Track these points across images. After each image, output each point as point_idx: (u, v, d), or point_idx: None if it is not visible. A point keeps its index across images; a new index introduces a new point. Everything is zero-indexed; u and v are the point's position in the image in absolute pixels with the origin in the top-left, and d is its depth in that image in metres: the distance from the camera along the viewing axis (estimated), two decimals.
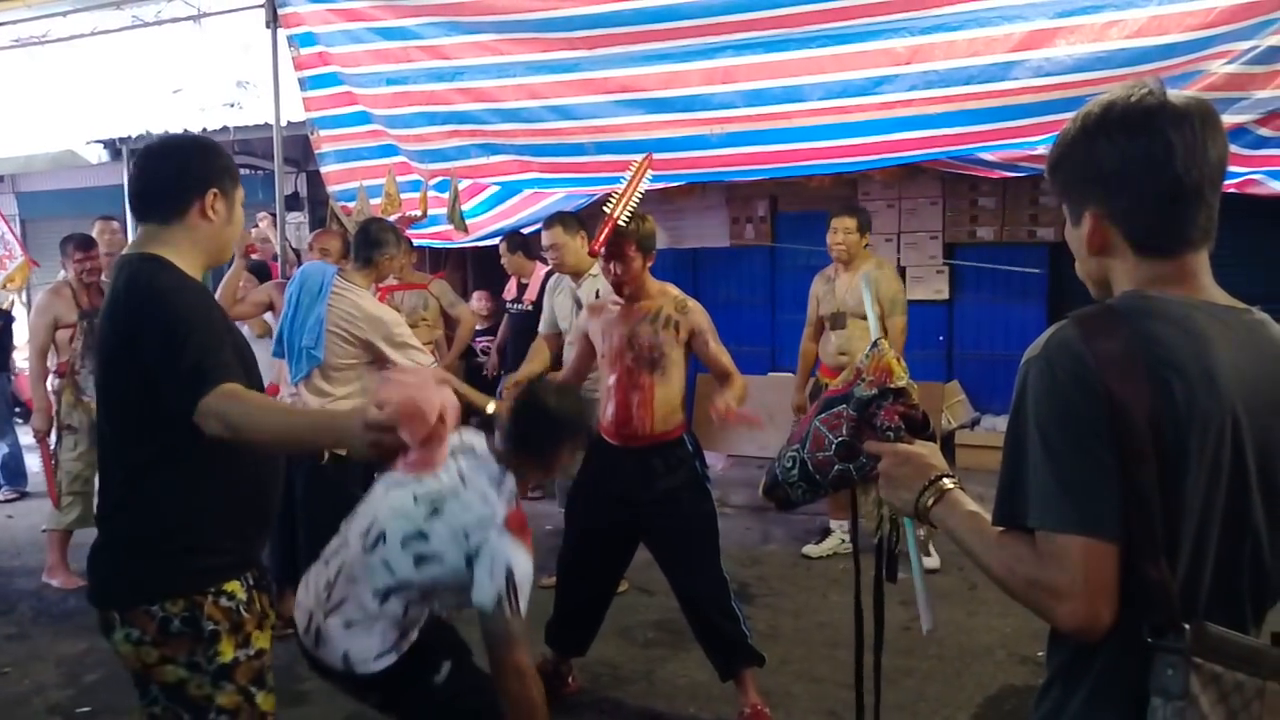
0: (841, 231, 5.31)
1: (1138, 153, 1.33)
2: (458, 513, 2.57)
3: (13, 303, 8.69)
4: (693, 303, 3.72)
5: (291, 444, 2.38)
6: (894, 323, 5.22)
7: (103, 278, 5.49)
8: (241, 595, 2.18)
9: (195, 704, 2.14)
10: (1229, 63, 4.16)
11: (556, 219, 5.04)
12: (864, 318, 4.95)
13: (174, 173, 2.24)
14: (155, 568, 2.13)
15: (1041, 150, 4.74)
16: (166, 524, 2.13)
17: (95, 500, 2.39)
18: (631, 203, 3.54)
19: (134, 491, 2.16)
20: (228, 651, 2.15)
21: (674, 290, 3.69)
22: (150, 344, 2.07)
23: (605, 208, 3.54)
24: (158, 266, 2.18)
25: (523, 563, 2.56)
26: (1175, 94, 1.36)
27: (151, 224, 2.25)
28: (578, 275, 4.95)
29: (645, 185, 3.58)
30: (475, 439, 2.79)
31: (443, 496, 2.58)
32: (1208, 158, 1.33)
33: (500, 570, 2.52)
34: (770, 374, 8.21)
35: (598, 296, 4.52)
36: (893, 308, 5.27)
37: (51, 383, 5.51)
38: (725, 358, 3.69)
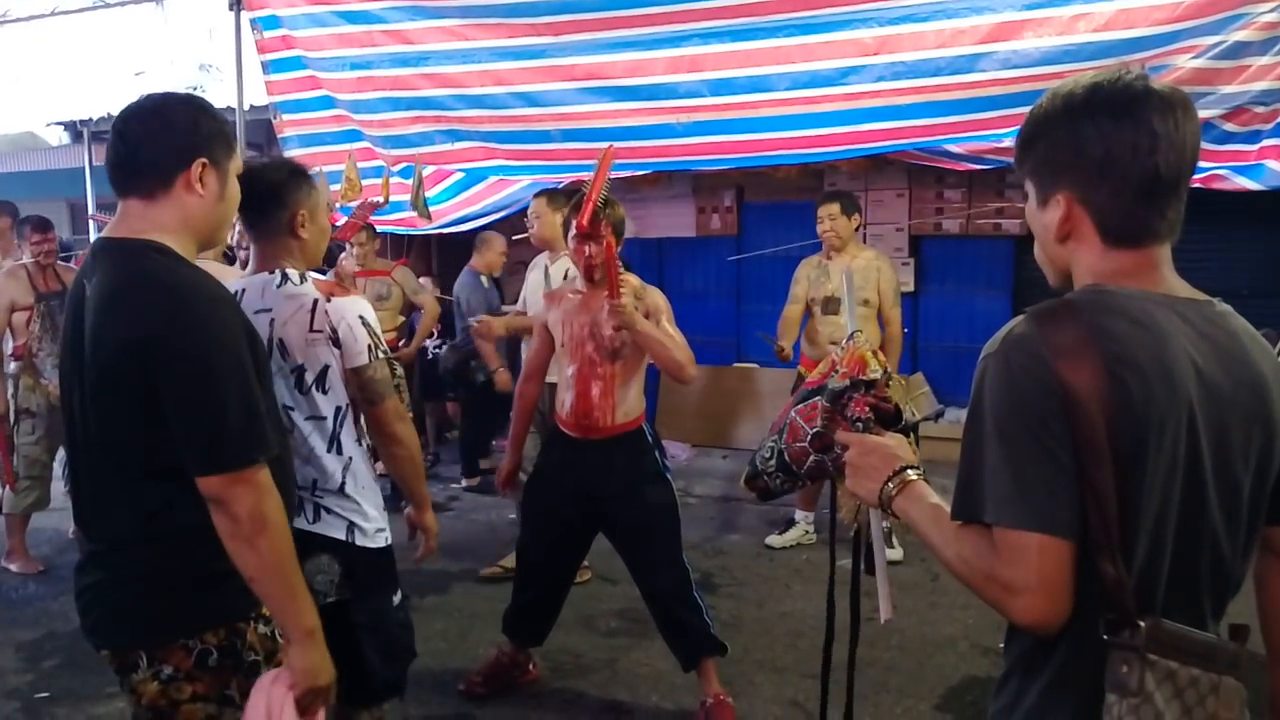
0: (828, 219, 5.28)
1: (1123, 140, 1.31)
2: (292, 330, 2.53)
3: None
4: (650, 287, 3.70)
5: (269, 592, 1.90)
6: (894, 315, 5.29)
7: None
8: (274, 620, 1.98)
9: None
10: (1195, 57, 4.19)
11: (545, 193, 5.11)
12: (863, 304, 5.03)
13: (157, 137, 1.90)
14: (192, 598, 1.90)
15: (1008, 143, 4.75)
16: (203, 551, 1.85)
17: (76, 511, 2.04)
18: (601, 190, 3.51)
19: (159, 522, 1.88)
20: None
21: (634, 279, 3.66)
22: (173, 374, 1.80)
23: (582, 190, 3.51)
24: (174, 262, 1.88)
25: (361, 306, 2.60)
26: (1159, 83, 1.34)
27: (134, 199, 1.91)
28: (549, 249, 4.94)
29: (609, 175, 3.55)
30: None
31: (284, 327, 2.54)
32: (1186, 151, 1.32)
33: (356, 326, 2.54)
34: (735, 364, 8.22)
35: (565, 278, 4.50)
36: (894, 299, 5.30)
37: (8, 366, 5.42)
38: (678, 336, 3.63)
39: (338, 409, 2.60)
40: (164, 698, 1.90)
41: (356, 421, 2.65)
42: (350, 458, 2.64)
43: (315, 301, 2.53)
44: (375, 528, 2.69)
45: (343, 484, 2.63)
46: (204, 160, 1.91)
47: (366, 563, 2.67)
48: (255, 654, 1.94)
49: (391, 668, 2.77)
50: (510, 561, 4.67)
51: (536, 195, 5.12)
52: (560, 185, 5.93)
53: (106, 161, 1.95)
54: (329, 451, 2.60)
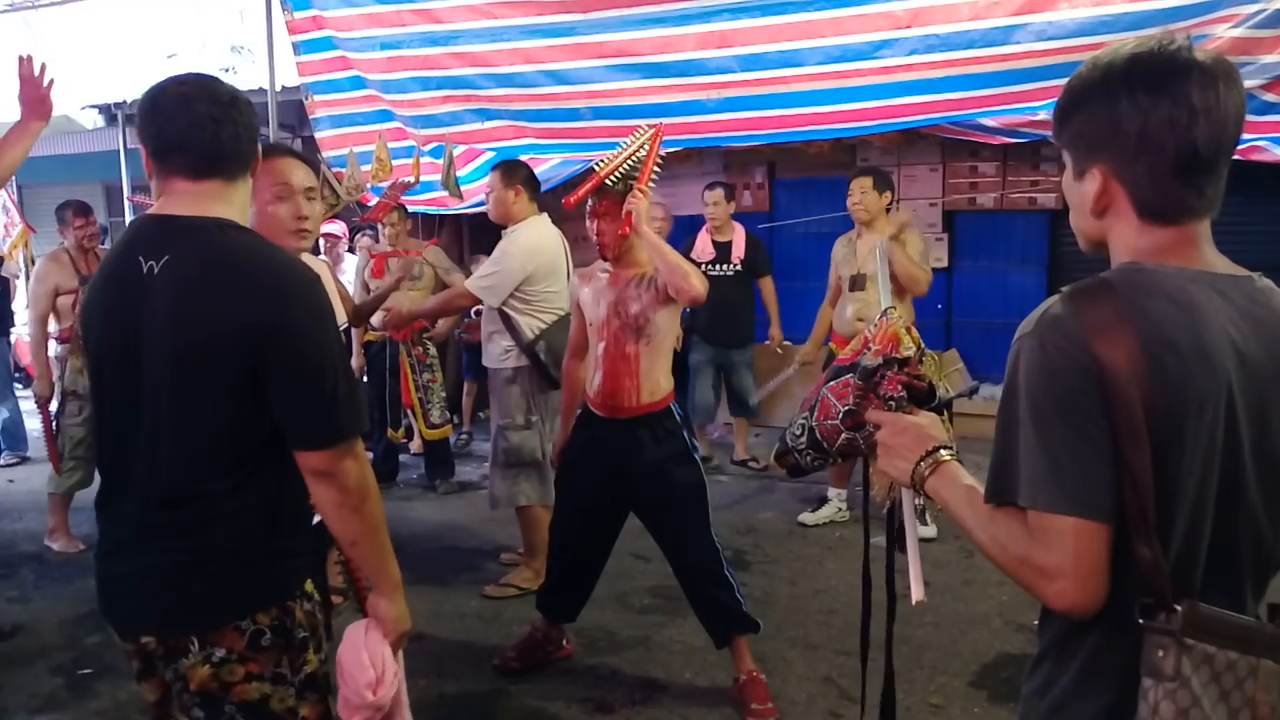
0: (859, 192, 5.20)
1: (1160, 115, 1.27)
2: None
3: (17, 270, 8.67)
4: None
5: (368, 553, 2.01)
6: (925, 273, 5.19)
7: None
8: (316, 595, 2.01)
9: (279, 719, 1.95)
10: (1235, 26, 4.12)
11: (498, 165, 4.78)
12: (892, 279, 4.97)
13: (246, 120, 1.92)
14: (244, 579, 1.90)
15: (1044, 115, 4.71)
16: (257, 532, 1.89)
17: (106, 495, 1.99)
18: (625, 167, 3.48)
19: (215, 505, 1.87)
20: (313, 659, 1.98)
21: None
22: (286, 353, 1.81)
23: (596, 166, 3.49)
24: (264, 243, 1.91)
25: None
26: (1202, 52, 1.29)
27: (216, 182, 1.90)
28: (502, 225, 4.66)
29: (660, 154, 3.51)
30: None
31: None
32: (1227, 125, 1.28)
33: None
34: (766, 343, 8.19)
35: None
36: (923, 260, 5.21)
37: (54, 349, 5.52)
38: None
39: None
40: (215, 681, 1.88)
41: None
42: None
43: None
44: None
45: None
46: (259, 145, 1.98)
47: None
48: (304, 630, 1.95)
49: None
50: (518, 580, 4.71)
51: (493, 168, 4.78)
52: (571, 173, 5.93)
53: (169, 140, 1.89)
54: None
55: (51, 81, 3.14)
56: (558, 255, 4.61)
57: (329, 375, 1.84)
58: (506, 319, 4.52)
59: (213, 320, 1.80)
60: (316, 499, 1.90)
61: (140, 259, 1.85)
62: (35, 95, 3.09)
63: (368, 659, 2.00)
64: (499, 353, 4.63)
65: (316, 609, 2.00)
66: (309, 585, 1.99)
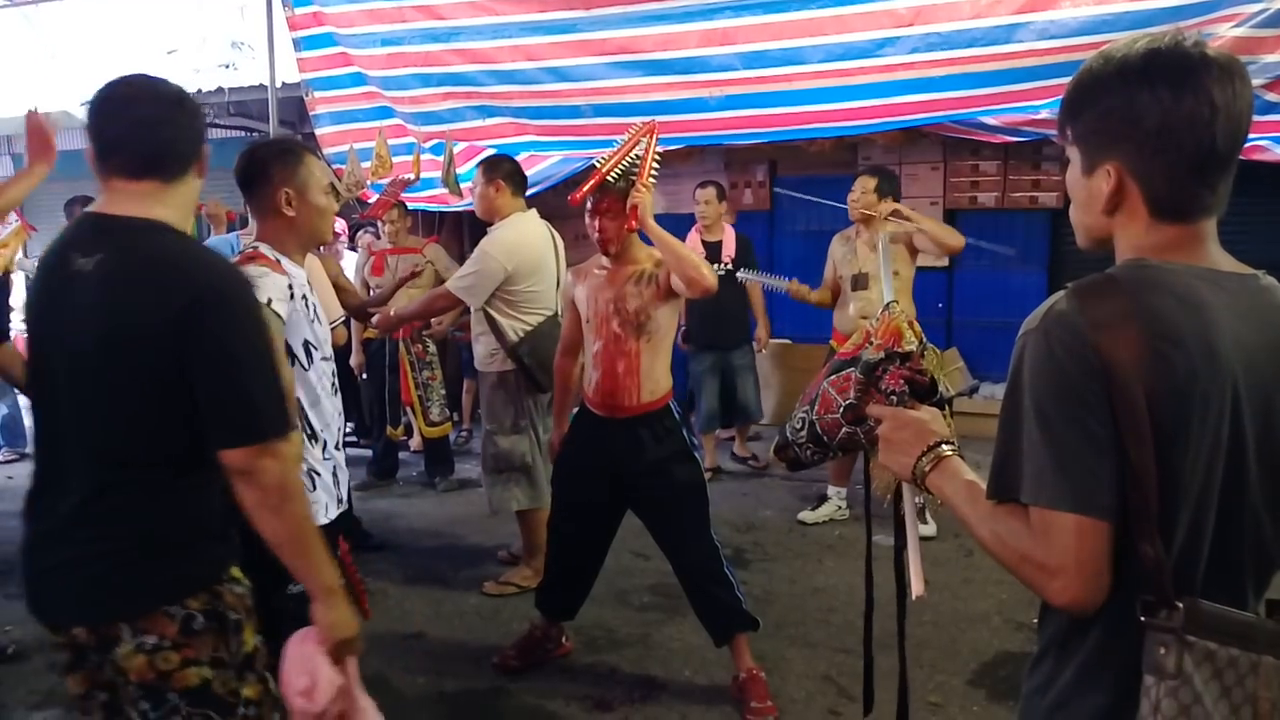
0: (859, 190, 5.18)
1: (1182, 111, 1.25)
2: None
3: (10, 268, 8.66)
4: None
5: (292, 556, 1.99)
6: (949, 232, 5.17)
7: None
8: (244, 580, 2.04)
9: (223, 702, 1.96)
10: (1237, 26, 4.11)
11: (482, 161, 4.76)
12: (894, 275, 4.92)
13: (188, 120, 1.97)
14: (171, 565, 1.92)
15: (1045, 114, 4.70)
16: (182, 520, 1.93)
17: (39, 488, 2.01)
18: (625, 164, 3.47)
19: (137, 495, 1.90)
20: (250, 640, 2.00)
21: (656, 251, 3.62)
22: (210, 351, 1.84)
23: (596, 163, 3.49)
24: (196, 244, 1.94)
25: (254, 269, 2.57)
26: (1215, 50, 1.28)
27: (152, 181, 1.93)
28: (489, 222, 4.64)
29: (656, 150, 3.50)
30: None
31: None
32: (1241, 122, 1.27)
33: None
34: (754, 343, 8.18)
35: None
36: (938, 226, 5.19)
37: None
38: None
39: None
40: (153, 670, 1.90)
41: None
42: None
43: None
44: None
45: None
46: (207, 146, 2.01)
47: (260, 540, 2.68)
48: (236, 613, 1.98)
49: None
50: (517, 578, 4.70)
51: (478, 165, 4.75)
52: (572, 171, 5.91)
53: (109, 140, 1.94)
54: None
55: (54, 131, 3.20)
56: (542, 252, 4.53)
57: (250, 375, 1.88)
58: (491, 321, 4.47)
59: (137, 317, 1.83)
60: (238, 497, 1.90)
61: (74, 256, 1.89)
62: (43, 145, 3.15)
63: (301, 666, 2.00)
64: (485, 355, 4.60)
65: (248, 592, 2.04)
66: (235, 571, 2.03)
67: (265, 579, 2.69)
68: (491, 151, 6.28)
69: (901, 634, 1.96)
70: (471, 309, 4.58)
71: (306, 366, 2.67)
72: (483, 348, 4.60)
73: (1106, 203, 1.34)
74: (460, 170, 6.09)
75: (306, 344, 2.67)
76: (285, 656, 2.02)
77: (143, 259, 1.88)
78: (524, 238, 4.47)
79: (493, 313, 4.45)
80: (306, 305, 2.68)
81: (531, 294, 4.45)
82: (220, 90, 8.33)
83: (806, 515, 5.74)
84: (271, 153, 2.71)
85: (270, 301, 2.50)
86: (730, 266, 6.32)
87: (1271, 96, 4.40)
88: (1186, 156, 1.27)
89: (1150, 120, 1.27)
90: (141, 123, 1.93)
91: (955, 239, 5.05)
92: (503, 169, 4.53)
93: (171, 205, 1.95)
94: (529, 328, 4.44)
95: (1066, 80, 1.38)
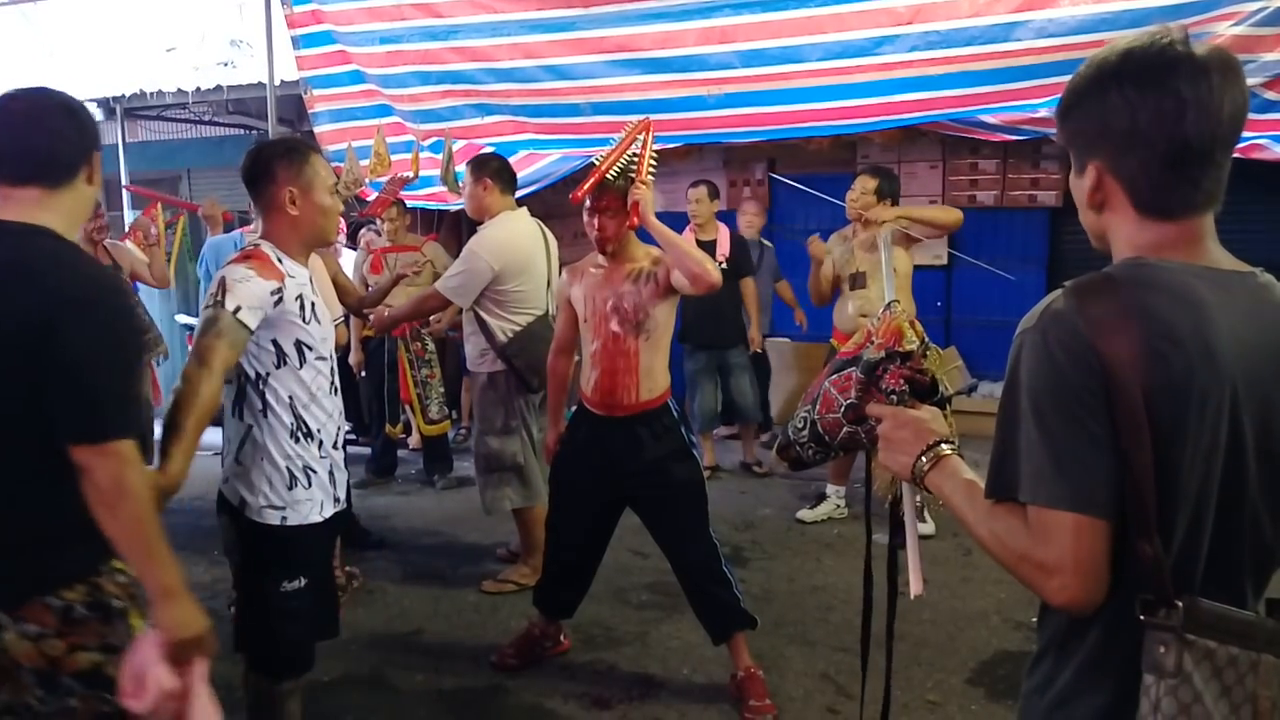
0: (859, 190, 5.17)
1: (1148, 109, 1.26)
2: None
3: None
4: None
5: (128, 554, 2.02)
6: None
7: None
8: (128, 570, 2.06)
9: (116, 684, 2.01)
10: (1236, 24, 4.11)
11: (471, 160, 4.78)
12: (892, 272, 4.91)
13: (73, 127, 2.04)
14: (46, 557, 1.98)
15: (1044, 113, 4.70)
16: (57, 514, 1.98)
17: None
18: (622, 161, 3.46)
19: (11, 489, 1.97)
20: (137, 624, 2.05)
21: (656, 250, 3.62)
22: (66, 350, 1.89)
23: (594, 161, 3.48)
24: (73, 248, 2.02)
25: (239, 271, 2.58)
26: (1198, 45, 1.28)
27: (35, 188, 2.00)
28: (477, 220, 4.65)
29: (652, 148, 3.49)
30: None
31: None
32: (1222, 117, 1.27)
33: (215, 280, 2.60)
34: (765, 339, 8.18)
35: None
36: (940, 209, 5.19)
37: None
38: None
39: (241, 375, 2.66)
40: (41, 656, 1.97)
41: (263, 393, 2.67)
42: (250, 426, 2.68)
43: (223, 274, 2.61)
44: (264, 504, 2.67)
45: (239, 450, 2.68)
46: (98, 152, 2.08)
47: (252, 536, 2.70)
48: (120, 600, 2.03)
49: (261, 649, 2.79)
50: (516, 576, 4.69)
51: (467, 164, 4.75)
52: (570, 169, 5.90)
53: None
54: (232, 415, 2.70)
55: None
56: (531, 252, 4.50)
57: (96, 376, 1.92)
58: (480, 322, 4.45)
59: (16, 314, 1.90)
60: (85, 491, 1.93)
61: None
62: None
63: (132, 667, 1.99)
64: (475, 355, 4.58)
65: (130, 581, 2.06)
66: (116, 562, 2.05)
67: (265, 579, 2.72)
68: (490, 150, 6.30)
69: (890, 632, 1.97)
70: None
71: (299, 366, 2.68)
72: (473, 348, 4.59)
73: (1089, 199, 1.36)
74: (459, 168, 6.07)
75: (299, 344, 2.67)
76: (124, 657, 2.02)
77: (14, 262, 1.95)
78: (512, 237, 4.46)
79: (481, 314, 4.43)
80: (301, 306, 2.67)
81: (520, 294, 4.44)
82: (219, 88, 8.32)
83: (805, 514, 5.74)
84: (277, 151, 2.73)
85: (238, 310, 2.52)
86: (724, 266, 6.31)
87: (1271, 95, 4.40)
88: (1159, 153, 1.28)
89: (1118, 119, 1.29)
90: (25, 131, 2.01)
91: (952, 215, 5.06)
92: (490, 167, 4.52)
93: (57, 211, 2.02)
94: (518, 328, 4.43)
95: (1065, 79, 1.39)
